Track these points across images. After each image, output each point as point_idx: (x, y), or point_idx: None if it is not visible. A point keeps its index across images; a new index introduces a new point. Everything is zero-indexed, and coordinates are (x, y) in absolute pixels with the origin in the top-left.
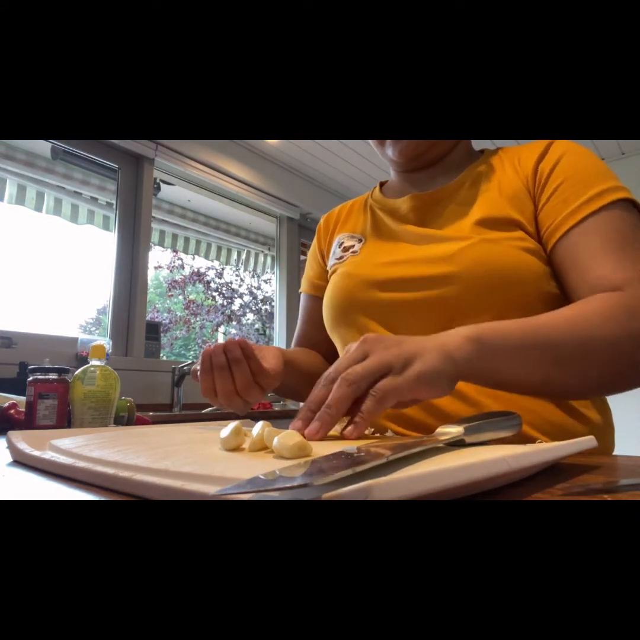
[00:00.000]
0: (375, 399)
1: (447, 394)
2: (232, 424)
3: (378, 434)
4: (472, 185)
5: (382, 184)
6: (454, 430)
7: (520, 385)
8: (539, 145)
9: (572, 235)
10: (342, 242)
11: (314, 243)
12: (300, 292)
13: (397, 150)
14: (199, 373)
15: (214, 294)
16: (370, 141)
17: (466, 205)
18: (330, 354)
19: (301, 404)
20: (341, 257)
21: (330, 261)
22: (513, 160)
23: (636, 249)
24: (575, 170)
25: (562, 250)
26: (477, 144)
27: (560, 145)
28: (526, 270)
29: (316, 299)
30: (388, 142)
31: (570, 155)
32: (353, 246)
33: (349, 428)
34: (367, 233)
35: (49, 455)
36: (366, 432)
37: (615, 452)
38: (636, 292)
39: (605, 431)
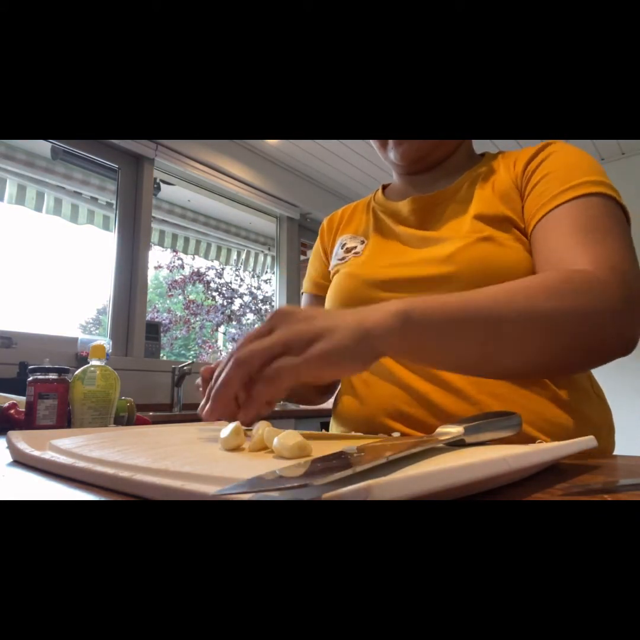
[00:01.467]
0: (265, 380)
1: (361, 371)
2: (232, 424)
3: (382, 435)
4: (470, 186)
5: (384, 187)
6: (454, 430)
7: (454, 364)
8: (535, 147)
9: (544, 221)
10: (345, 243)
11: (317, 243)
12: (303, 293)
13: (399, 153)
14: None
15: (214, 294)
16: (372, 144)
17: (464, 204)
18: None
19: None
20: (343, 258)
21: (333, 262)
22: (509, 163)
23: (602, 236)
24: (559, 165)
25: (535, 235)
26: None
27: (554, 146)
28: (523, 268)
29: (319, 299)
30: (390, 144)
31: (559, 153)
32: (355, 247)
33: (240, 413)
34: (369, 235)
35: (49, 455)
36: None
37: (615, 452)
38: (588, 274)
39: (605, 431)
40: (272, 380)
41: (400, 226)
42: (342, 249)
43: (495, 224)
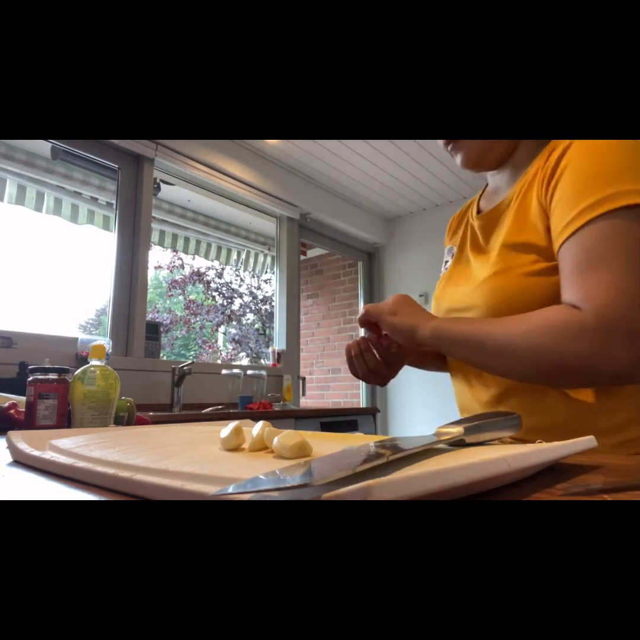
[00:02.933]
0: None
1: (412, 347)
2: (232, 424)
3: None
4: (515, 202)
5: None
6: (454, 430)
7: (464, 363)
8: (559, 148)
9: (559, 254)
10: (447, 252)
11: (445, 239)
12: None
13: (459, 161)
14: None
15: (214, 294)
16: (443, 145)
17: (504, 226)
18: None
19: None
20: (444, 266)
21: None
22: (541, 174)
23: (593, 270)
24: (571, 184)
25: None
26: None
27: (570, 153)
28: (530, 293)
29: None
30: (450, 150)
31: (573, 164)
32: (447, 262)
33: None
34: (456, 249)
35: (49, 455)
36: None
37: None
38: (570, 315)
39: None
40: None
41: (470, 243)
42: (447, 255)
43: (519, 249)
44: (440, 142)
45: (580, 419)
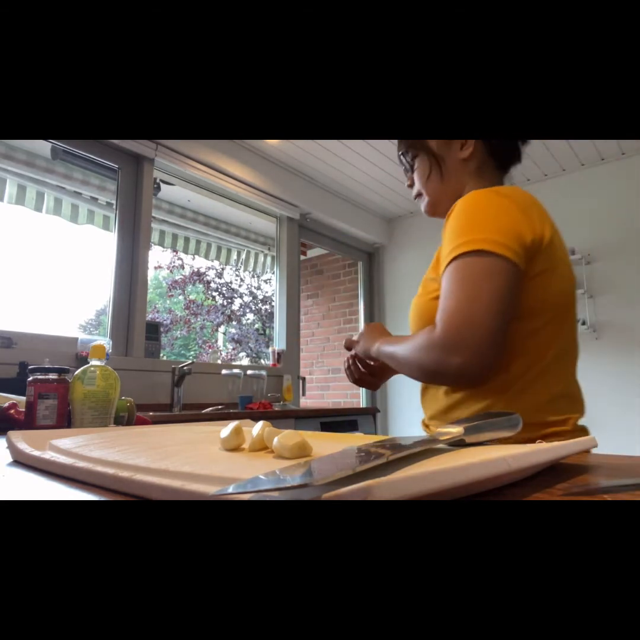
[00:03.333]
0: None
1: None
2: (232, 424)
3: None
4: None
5: None
6: (454, 430)
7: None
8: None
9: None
10: None
11: None
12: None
13: (422, 210)
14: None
15: (214, 294)
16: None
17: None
18: None
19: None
20: None
21: None
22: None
23: (446, 299)
24: (446, 237)
25: None
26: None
27: (451, 213)
28: (433, 312)
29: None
30: (415, 200)
31: (450, 221)
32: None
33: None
34: None
35: (49, 455)
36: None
37: (616, 452)
38: (429, 332)
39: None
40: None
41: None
42: None
43: (431, 281)
44: (413, 193)
45: (450, 409)
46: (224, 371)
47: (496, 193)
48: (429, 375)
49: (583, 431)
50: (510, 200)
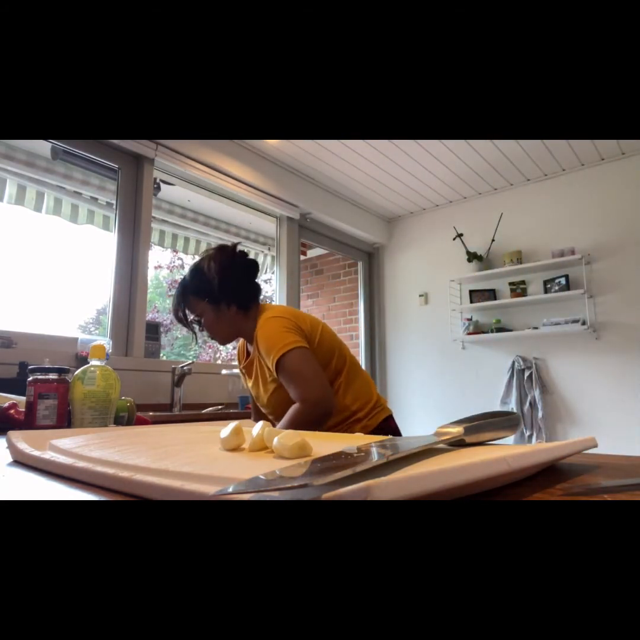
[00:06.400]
0: None
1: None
2: (232, 424)
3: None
4: (257, 360)
5: None
6: (454, 430)
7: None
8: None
9: (278, 377)
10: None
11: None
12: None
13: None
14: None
15: None
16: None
17: (259, 370)
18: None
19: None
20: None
21: None
22: (256, 349)
23: (295, 382)
24: (263, 351)
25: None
26: (480, 144)
27: (256, 339)
28: (286, 396)
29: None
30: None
31: (258, 341)
32: (244, 372)
33: None
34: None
35: (49, 455)
36: None
37: (616, 453)
38: (302, 408)
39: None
40: None
41: (252, 370)
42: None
43: (268, 383)
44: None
45: (346, 419)
46: (224, 371)
47: (274, 317)
48: (317, 423)
49: (383, 409)
50: (282, 317)
